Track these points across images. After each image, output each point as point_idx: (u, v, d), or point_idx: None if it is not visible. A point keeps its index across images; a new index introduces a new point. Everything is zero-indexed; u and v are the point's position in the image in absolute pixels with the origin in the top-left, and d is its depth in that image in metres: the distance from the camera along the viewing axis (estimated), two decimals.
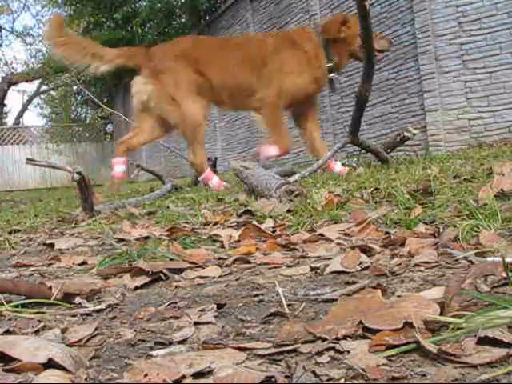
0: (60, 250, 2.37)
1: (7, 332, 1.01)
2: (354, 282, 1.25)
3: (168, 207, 3.93)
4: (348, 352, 0.80)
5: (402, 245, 1.62)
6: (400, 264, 1.41)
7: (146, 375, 0.74)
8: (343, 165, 5.64)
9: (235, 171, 4.01)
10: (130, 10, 19.18)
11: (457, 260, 1.36)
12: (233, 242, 2.06)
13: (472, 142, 7.07)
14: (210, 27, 14.37)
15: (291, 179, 3.98)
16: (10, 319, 1.15)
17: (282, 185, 2.86)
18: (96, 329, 1.03)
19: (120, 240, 2.40)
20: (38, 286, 1.31)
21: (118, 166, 5.76)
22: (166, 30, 17.63)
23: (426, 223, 1.91)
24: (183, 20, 17.38)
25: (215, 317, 1.06)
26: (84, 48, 5.49)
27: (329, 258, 1.57)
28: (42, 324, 1.08)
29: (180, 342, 0.92)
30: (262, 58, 5.34)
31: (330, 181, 4.04)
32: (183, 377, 0.73)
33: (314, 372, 0.71)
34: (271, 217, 2.52)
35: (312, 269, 1.46)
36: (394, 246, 1.64)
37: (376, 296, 1.01)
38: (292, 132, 10.84)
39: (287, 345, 0.84)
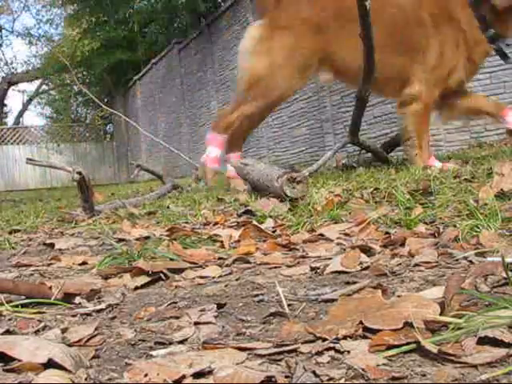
0: (60, 249, 2.37)
1: (7, 332, 1.01)
2: (354, 282, 1.25)
3: (168, 207, 3.93)
4: (348, 352, 0.80)
5: (402, 245, 1.62)
6: (400, 264, 1.41)
7: (146, 375, 0.74)
8: (343, 165, 5.62)
9: (236, 169, 4.01)
10: (131, 9, 19.20)
11: (457, 260, 1.36)
12: (233, 242, 2.06)
13: (472, 142, 7.06)
14: (210, 27, 14.36)
15: None
16: (10, 319, 1.15)
17: (284, 174, 2.84)
18: (96, 329, 1.03)
19: (120, 240, 2.40)
20: (38, 285, 1.31)
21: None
22: (167, 29, 17.64)
23: (426, 223, 1.91)
24: (184, 20, 17.38)
25: (215, 317, 1.06)
26: None
27: (329, 258, 1.57)
28: (42, 324, 1.08)
29: (180, 342, 0.92)
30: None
31: (329, 181, 4.04)
32: (183, 377, 0.73)
33: (314, 372, 0.71)
34: (271, 217, 2.52)
35: (312, 269, 1.46)
36: (394, 246, 1.64)
37: (376, 296, 1.01)
38: (293, 132, 10.82)
39: (287, 345, 0.84)
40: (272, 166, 3.40)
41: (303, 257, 1.67)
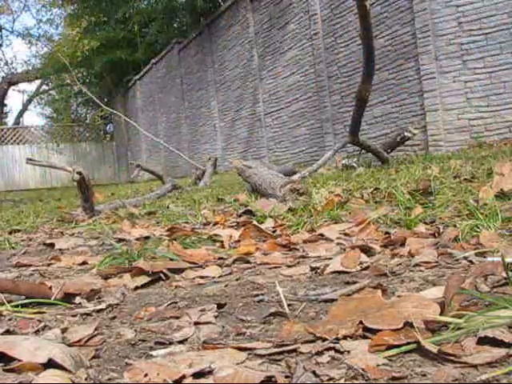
0: (60, 249, 2.37)
1: (7, 332, 1.01)
2: (354, 282, 1.25)
3: (168, 207, 3.93)
4: (348, 352, 0.80)
5: (402, 245, 1.62)
6: (400, 264, 1.41)
7: (146, 375, 0.74)
8: (343, 165, 5.62)
9: (238, 170, 4.01)
10: (131, 9, 19.20)
11: (457, 260, 1.36)
12: (233, 242, 2.06)
13: (472, 142, 7.06)
14: (210, 27, 14.35)
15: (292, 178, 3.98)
16: (10, 319, 1.15)
17: (287, 183, 2.86)
18: (96, 329, 1.03)
19: (120, 240, 2.40)
20: (38, 285, 1.31)
21: None
22: (167, 29, 17.64)
23: (426, 223, 1.91)
24: (184, 20, 17.39)
25: (215, 317, 1.06)
26: None
27: (329, 258, 1.57)
28: (42, 324, 1.08)
29: (180, 342, 0.92)
30: None
31: (329, 181, 4.04)
32: (183, 377, 0.73)
33: (314, 372, 0.71)
34: (271, 217, 2.52)
35: (312, 269, 1.46)
36: (394, 246, 1.64)
37: (376, 296, 1.01)
38: (293, 132, 10.83)
39: (287, 345, 0.84)
40: (275, 173, 3.40)
41: (303, 257, 1.67)
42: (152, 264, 1.58)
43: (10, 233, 3.32)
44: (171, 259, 1.69)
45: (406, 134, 6.05)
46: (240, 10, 12.70)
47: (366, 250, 1.58)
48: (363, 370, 0.71)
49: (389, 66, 8.26)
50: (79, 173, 3.50)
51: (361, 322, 0.88)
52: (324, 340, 0.85)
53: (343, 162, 5.87)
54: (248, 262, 1.67)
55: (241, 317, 1.06)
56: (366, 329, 0.87)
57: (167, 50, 17.10)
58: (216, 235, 2.18)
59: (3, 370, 0.79)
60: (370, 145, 5.67)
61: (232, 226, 2.46)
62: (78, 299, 1.29)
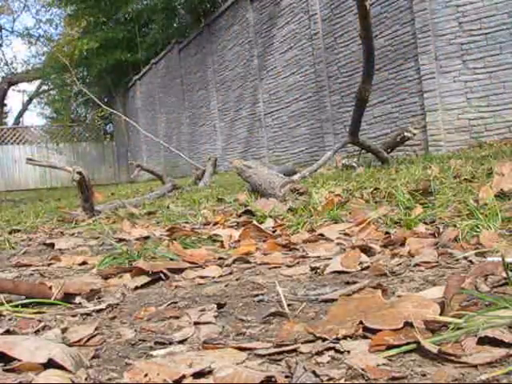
0: (60, 249, 2.37)
1: (7, 332, 1.01)
2: (354, 282, 1.25)
3: (168, 207, 3.93)
4: (348, 352, 0.80)
5: (402, 245, 1.62)
6: (400, 264, 1.41)
7: (146, 375, 0.74)
8: (343, 165, 5.62)
9: (238, 170, 4.01)
10: (130, 9, 19.20)
11: (457, 260, 1.36)
12: (233, 242, 2.06)
13: (472, 142, 7.06)
14: (210, 27, 14.35)
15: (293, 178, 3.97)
16: (10, 319, 1.15)
17: (287, 183, 2.87)
18: (96, 329, 1.03)
19: (120, 240, 2.40)
20: (38, 285, 1.31)
21: None
22: (167, 29, 17.63)
23: (426, 223, 1.91)
24: (184, 20, 17.39)
25: (215, 317, 1.06)
26: None
27: (329, 258, 1.57)
28: (41, 324, 1.08)
29: (180, 342, 0.92)
30: None
31: (330, 181, 4.04)
32: (183, 377, 0.73)
33: (314, 372, 0.71)
34: (271, 217, 2.52)
35: (312, 269, 1.46)
36: (394, 246, 1.64)
37: (376, 296, 1.01)
38: (293, 132, 10.83)
39: (287, 345, 0.84)
40: (275, 173, 3.40)
41: (303, 257, 1.67)
42: (152, 264, 1.58)
43: (10, 233, 3.32)
44: (171, 259, 1.69)
45: (405, 133, 6.06)
46: (240, 10, 12.69)
47: (366, 250, 1.58)
48: (363, 370, 0.71)
49: (389, 66, 8.26)
50: (79, 173, 3.50)
51: (361, 322, 0.88)
52: (324, 340, 0.85)
53: (343, 161, 5.87)
54: (248, 261, 1.67)
55: (241, 317, 1.06)
56: (365, 329, 0.87)
57: (167, 50, 17.10)
58: (216, 235, 2.18)
59: (3, 370, 0.79)
60: (370, 145, 5.68)
61: (232, 226, 2.46)
62: (78, 299, 1.29)
